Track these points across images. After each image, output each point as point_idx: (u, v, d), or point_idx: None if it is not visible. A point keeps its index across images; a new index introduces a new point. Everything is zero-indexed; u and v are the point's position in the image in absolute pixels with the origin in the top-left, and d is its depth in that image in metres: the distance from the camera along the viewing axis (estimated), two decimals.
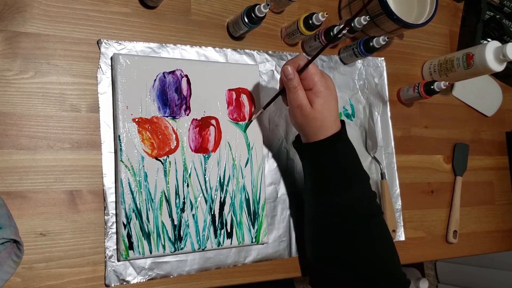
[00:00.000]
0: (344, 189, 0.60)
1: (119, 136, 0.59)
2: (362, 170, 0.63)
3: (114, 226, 0.59)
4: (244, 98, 0.68)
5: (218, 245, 0.64)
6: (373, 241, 0.60)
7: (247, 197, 0.67)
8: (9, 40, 0.57)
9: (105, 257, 0.58)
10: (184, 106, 0.64)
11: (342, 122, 0.62)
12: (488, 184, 0.97)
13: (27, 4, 0.58)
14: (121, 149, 0.59)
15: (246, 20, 0.65)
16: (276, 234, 0.70)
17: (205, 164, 0.64)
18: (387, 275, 0.59)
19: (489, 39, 0.99)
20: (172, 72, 0.63)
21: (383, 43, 0.73)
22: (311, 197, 0.63)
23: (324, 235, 0.62)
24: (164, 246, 0.60)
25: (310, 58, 0.57)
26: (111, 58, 0.61)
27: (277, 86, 0.74)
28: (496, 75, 1.01)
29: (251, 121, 0.68)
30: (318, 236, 0.63)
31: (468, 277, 1.76)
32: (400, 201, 0.82)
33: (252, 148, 0.68)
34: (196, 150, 0.64)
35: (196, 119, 0.64)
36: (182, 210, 0.62)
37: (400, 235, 0.80)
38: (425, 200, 0.87)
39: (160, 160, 0.61)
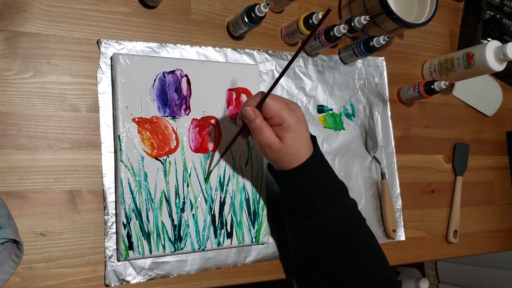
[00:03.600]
0: (324, 211, 0.58)
1: (119, 136, 0.59)
2: (338, 184, 0.61)
3: (114, 226, 0.59)
4: (244, 98, 0.68)
5: (218, 245, 0.64)
6: (357, 254, 0.59)
7: (247, 197, 0.67)
8: (9, 40, 0.57)
9: (105, 257, 0.58)
10: (184, 106, 0.64)
11: (314, 139, 0.59)
12: (489, 184, 0.96)
13: (27, 4, 0.58)
14: (121, 149, 0.59)
15: (246, 19, 0.65)
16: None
17: (205, 164, 0.64)
18: (375, 283, 0.59)
19: (489, 39, 0.99)
20: (172, 72, 0.63)
21: (383, 42, 0.73)
22: (292, 219, 0.62)
23: (307, 254, 0.61)
24: (164, 246, 0.60)
25: (266, 92, 0.52)
26: (111, 58, 0.61)
27: (277, 86, 0.74)
28: (496, 75, 1.01)
29: (211, 170, 0.64)
30: (302, 254, 0.62)
31: (468, 277, 1.76)
32: (400, 201, 0.82)
33: (252, 148, 0.68)
34: (196, 150, 0.64)
35: (196, 119, 0.64)
36: (182, 210, 0.62)
37: (400, 235, 0.80)
38: (425, 200, 0.87)
39: (160, 160, 0.61)
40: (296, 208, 0.60)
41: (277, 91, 0.73)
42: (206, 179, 0.64)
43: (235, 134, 0.60)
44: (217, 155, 0.65)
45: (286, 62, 0.75)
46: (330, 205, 0.58)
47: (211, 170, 0.64)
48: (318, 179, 0.58)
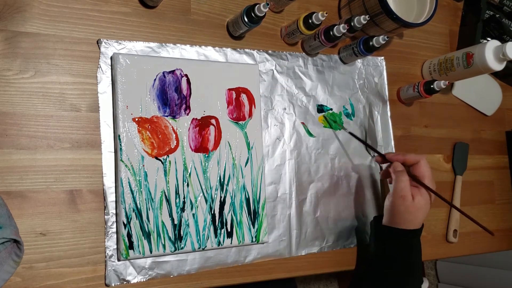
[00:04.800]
0: (407, 275, 0.68)
1: (119, 136, 0.59)
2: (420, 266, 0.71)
3: (114, 225, 0.59)
4: (244, 97, 0.68)
5: (218, 245, 0.64)
6: None
7: (247, 196, 0.67)
8: (9, 40, 0.57)
9: (105, 257, 0.58)
10: (184, 106, 0.64)
11: (422, 224, 0.69)
12: (488, 183, 0.96)
13: (27, 4, 0.58)
14: (121, 148, 0.59)
15: (246, 19, 0.65)
16: (276, 234, 0.70)
17: (205, 163, 0.64)
18: None
19: (488, 38, 0.99)
20: (172, 72, 0.63)
21: (383, 42, 0.73)
22: (378, 271, 0.69)
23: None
24: (164, 246, 0.60)
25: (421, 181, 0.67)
26: (111, 58, 0.61)
27: (277, 86, 0.74)
28: (496, 74, 1.01)
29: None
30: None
31: (468, 276, 1.76)
32: None
33: (252, 148, 0.68)
34: (196, 150, 0.64)
35: (196, 119, 0.64)
36: (182, 209, 0.62)
37: None
38: None
39: (160, 160, 0.61)
40: (391, 264, 0.68)
41: (277, 91, 0.74)
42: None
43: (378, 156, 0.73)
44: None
45: (286, 62, 0.75)
46: (414, 274, 0.69)
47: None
48: (419, 249, 0.70)
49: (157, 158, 0.61)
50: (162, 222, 0.60)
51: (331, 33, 0.70)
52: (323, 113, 0.77)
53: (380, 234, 0.70)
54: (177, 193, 0.62)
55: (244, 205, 0.66)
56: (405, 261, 0.68)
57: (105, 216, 0.59)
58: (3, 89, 0.56)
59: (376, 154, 0.73)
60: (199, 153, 0.64)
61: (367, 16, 0.70)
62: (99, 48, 0.61)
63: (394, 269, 0.67)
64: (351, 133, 0.76)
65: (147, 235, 0.59)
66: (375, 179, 0.80)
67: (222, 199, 0.65)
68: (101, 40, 0.61)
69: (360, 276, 0.73)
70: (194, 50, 0.68)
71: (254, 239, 0.66)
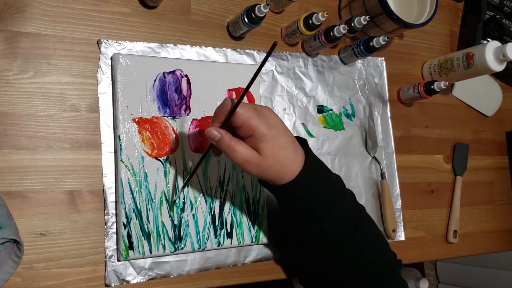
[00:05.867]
0: (324, 217, 0.55)
1: (119, 136, 0.59)
2: (335, 185, 0.58)
3: (114, 226, 0.59)
4: (244, 98, 0.68)
5: (218, 245, 0.64)
6: (361, 251, 0.58)
7: (247, 197, 0.67)
8: (9, 40, 0.57)
9: (105, 257, 0.58)
10: (184, 106, 0.64)
11: (304, 142, 0.56)
12: (488, 184, 0.97)
13: (27, 4, 0.58)
14: (121, 149, 0.59)
15: (246, 20, 0.65)
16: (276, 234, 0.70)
17: (205, 164, 0.64)
18: (376, 272, 0.59)
19: (489, 39, 0.99)
20: (172, 72, 0.63)
21: (383, 43, 0.73)
22: (292, 227, 0.59)
23: (310, 256, 0.60)
24: (164, 246, 0.60)
25: (236, 101, 0.48)
26: (111, 58, 0.61)
27: (277, 87, 0.74)
28: (496, 75, 1.01)
29: (175, 200, 0.61)
30: (304, 256, 0.62)
31: (468, 277, 1.76)
32: (400, 201, 0.82)
33: None
34: (196, 150, 0.64)
35: (196, 119, 0.64)
36: (182, 210, 0.62)
37: (400, 235, 0.80)
38: (425, 200, 0.87)
39: (160, 160, 0.61)
40: (295, 218, 0.57)
41: (277, 91, 0.73)
42: (171, 207, 0.61)
43: (201, 157, 0.55)
44: (181, 183, 0.62)
45: (286, 62, 0.75)
46: (329, 210, 0.55)
47: (175, 200, 0.61)
48: (314, 188, 0.54)
49: (157, 159, 0.61)
50: (162, 222, 0.60)
51: (332, 33, 0.70)
52: (323, 114, 0.77)
53: (274, 194, 0.57)
54: (177, 193, 0.62)
55: (244, 205, 0.66)
56: (317, 201, 0.55)
57: (105, 217, 0.59)
58: (3, 89, 0.56)
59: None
60: (199, 154, 0.64)
61: (367, 16, 0.70)
62: (99, 49, 0.61)
63: (311, 213, 0.55)
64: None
65: (147, 235, 0.59)
66: (375, 179, 0.80)
67: (222, 199, 0.65)
68: (101, 40, 0.61)
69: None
70: (194, 51, 0.68)
71: (254, 240, 0.66)
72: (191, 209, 0.63)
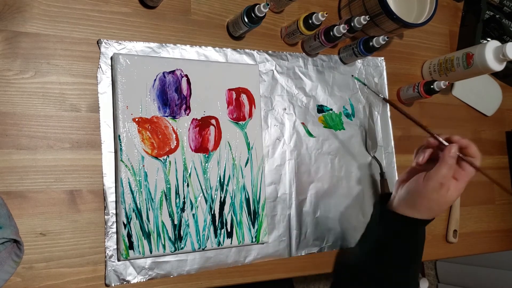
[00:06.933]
0: (413, 264, 0.62)
1: (119, 136, 0.59)
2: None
3: (114, 225, 0.59)
4: (244, 97, 0.68)
5: (218, 245, 0.64)
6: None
7: (247, 196, 0.67)
8: (9, 40, 0.57)
9: (105, 257, 0.58)
10: (184, 106, 0.64)
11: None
12: (488, 184, 0.96)
13: (27, 4, 0.58)
14: (121, 148, 0.59)
15: (246, 20, 0.65)
16: (276, 234, 0.70)
17: (205, 163, 0.64)
18: None
19: (488, 39, 0.99)
20: (172, 72, 0.63)
21: (383, 42, 0.73)
22: (372, 257, 0.63)
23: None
24: (164, 246, 0.60)
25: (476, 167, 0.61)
26: (111, 58, 0.61)
27: (277, 86, 0.74)
28: (496, 75, 1.01)
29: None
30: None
31: (468, 276, 1.76)
32: None
33: (252, 148, 0.68)
34: (196, 150, 0.64)
35: (196, 119, 0.64)
36: (182, 209, 0.62)
37: None
38: None
39: (160, 160, 0.61)
40: (391, 253, 0.61)
41: (277, 91, 0.74)
42: None
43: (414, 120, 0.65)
44: None
45: (286, 62, 0.75)
46: (413, 266, 0.62)
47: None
48: (423, 241, 0.63)
49: (157, 158, 0.61)
50: (162, 222, 0.61)
51: (331, 33, 0.70)
52: (323, 114, 0.77)
53: (390, 223, 0.62)
54: (177, 193, 0.62)
55: (244, 205, 0.66)
56: (414, 251, 0.62)
57: (105, 216, 0.59)
58: (3, 89, 0.56)
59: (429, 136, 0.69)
60: (199, 153, 0.64)
61: (367, 16, 0.70)
62: (99, 48, 0.61)
63: (400, 260, 0.61)
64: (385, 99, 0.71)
65: (147, 235, 0.59)
66: (375, 179, 0.80)
67: (222, 199, 0.65)
68: (101, 40, 0.61)
69: (357, 268, 0.66)
70: (194, 51, 0.68)
71: (254, 239, 0.66)
72: (191, 208, 0.63)
